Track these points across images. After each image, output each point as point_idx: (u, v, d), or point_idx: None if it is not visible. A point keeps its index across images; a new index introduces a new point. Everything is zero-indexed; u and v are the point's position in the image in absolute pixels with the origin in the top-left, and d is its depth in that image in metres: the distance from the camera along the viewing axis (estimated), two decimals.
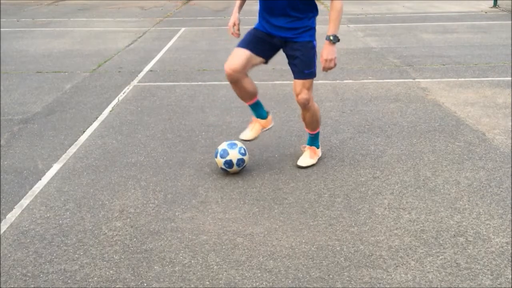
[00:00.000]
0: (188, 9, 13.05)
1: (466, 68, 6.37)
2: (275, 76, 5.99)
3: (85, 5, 14.19)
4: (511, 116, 4.57)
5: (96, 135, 4.28)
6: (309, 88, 3.35)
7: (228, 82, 3.40)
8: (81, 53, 7.69)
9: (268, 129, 3.69)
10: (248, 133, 3.61)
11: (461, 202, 3.07)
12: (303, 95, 3.32)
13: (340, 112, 4.76)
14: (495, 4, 12.46)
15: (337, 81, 5.88)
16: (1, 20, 11.27)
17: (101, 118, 4.70)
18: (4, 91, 5.64)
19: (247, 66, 3.29)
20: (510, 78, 5.84)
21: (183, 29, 9.85)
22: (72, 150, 3.97)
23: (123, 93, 5.50)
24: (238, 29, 3.37)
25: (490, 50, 7.40)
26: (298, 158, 3.73)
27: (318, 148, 3.71)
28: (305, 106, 3.38)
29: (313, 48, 3.34)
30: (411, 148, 3.90)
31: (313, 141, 3.68)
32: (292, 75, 3.37)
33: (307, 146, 3.71)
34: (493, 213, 2.94)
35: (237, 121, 4.53)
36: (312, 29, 3.36)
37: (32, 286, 2.38)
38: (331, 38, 3.24)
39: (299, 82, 3.32)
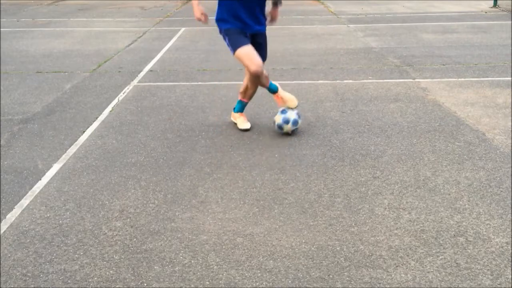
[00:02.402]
0: (188, 9, 13.04)
1: (466, 68, 6.38)
2: (275, 76, 5.98)
3: (85, 5, 14.19)
4: (511, 116, 4.57)
5: (96, 135, 4.28)
6: None
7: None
8: (81, 53, 7.69)
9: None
10: (293, 99, 4.18)
11: (461, 202, 3.07)
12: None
13: (340, 112, 4.76)
14: (495, 4, 12.46)
15: (337, 81, 5.88)
16: (1, 20, 11.27)
17: (101, 118, 4.71)
18: (4, 91, 5.64)
19: None
20: (510, 78, 5.84)
21: (183, 29, 9.85)
22: (72, 150, 3.97)
23: (123, 93, 5.50)
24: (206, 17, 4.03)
25: (490, 50, 7.40)
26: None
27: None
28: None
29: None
30: (411, 148, 3.90)
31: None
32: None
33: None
34: (493, 213, 2.94)
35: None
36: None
37: (32, 286, 2.38)
38: (279, 3, 4.16)
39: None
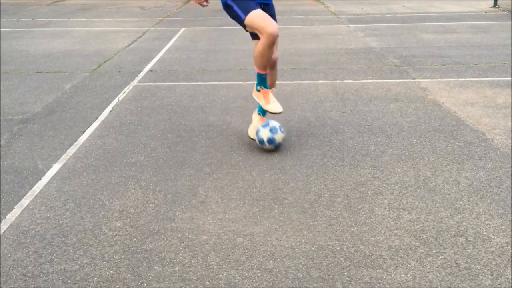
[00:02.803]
0: (188, 9, 13.05)
1: (466, 68, 6.38)
2: None
3: (85, 5, 14.19)
4: (511, 116, 4.57)
5: (96, 135, 4.28)
6: None
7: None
8: (81, 53, 7.69)
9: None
10: (277, 104, 3.82)
11: (461, 202, 3.07)
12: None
13: (340, 112, 4.76)
14: (495, 4, 12.46)
15: (337, 81, 5.88)
16: (1, 20, 11.27)
17: (101, 118, 4.71)
18: (4, 91, 5.64)
19: None
20: (510, 78, 5.84)
21: (183, 29, 9.85)
22: (72, 150, 3.97)
23: (123, 93, 5.50)
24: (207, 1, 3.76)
25: (490, 50, 7.40)
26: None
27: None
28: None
29: None
30: (411, 148, 3.90)
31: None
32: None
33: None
34: (493, 213, 2.94)
35: (237, 121, 4.53)
36: None
37: (32, 286, 2.38)
38: None
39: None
